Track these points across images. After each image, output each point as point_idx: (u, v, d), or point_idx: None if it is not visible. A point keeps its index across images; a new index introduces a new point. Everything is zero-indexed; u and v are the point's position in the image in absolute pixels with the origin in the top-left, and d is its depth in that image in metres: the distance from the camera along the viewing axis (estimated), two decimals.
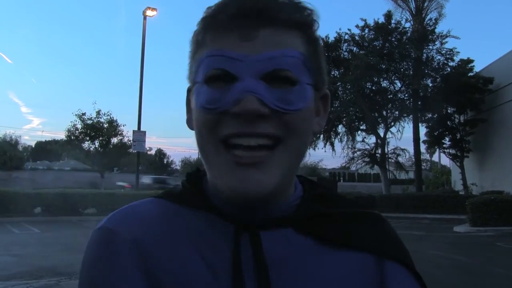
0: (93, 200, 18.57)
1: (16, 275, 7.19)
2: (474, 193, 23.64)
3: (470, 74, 25.79)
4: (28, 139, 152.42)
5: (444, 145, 27.29)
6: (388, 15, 26.03)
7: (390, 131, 28.08)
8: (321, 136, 28.20)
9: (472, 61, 25.88)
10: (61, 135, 61.89)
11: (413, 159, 28.87)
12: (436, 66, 26.42)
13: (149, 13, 21.76)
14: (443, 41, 25.66)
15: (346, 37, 26.54)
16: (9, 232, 13.07)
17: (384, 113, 27.75)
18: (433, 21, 25.97)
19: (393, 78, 27.45)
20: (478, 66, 26.95)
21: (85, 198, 18.36)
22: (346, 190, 39.55)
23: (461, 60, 25.89)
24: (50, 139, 78.08)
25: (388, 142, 29.06)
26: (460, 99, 24.22)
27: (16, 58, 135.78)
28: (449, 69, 26.14)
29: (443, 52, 25.94)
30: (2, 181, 38.73)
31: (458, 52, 25.65)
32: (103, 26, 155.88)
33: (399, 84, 27.57)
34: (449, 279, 7.55)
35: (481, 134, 25.55)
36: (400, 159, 29.47)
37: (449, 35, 25.42)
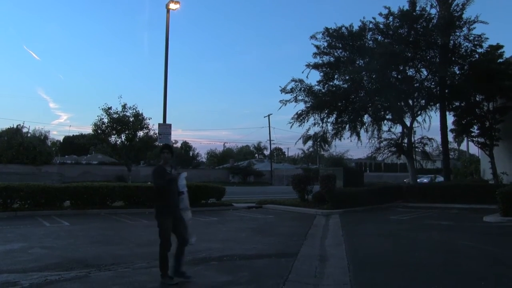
0: (121, 193, 18.78)
1: (48, 266, 7.36)
2: (504, 182, 23.14)
3: (500, 60, 25.10)
4: (57, 134, 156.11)
5: (473, 134, 26.72)
6: (413, 2, 25.45)
7: (417, 120, 27.70)
8: (347, 126, 27.97)
9: (501, 47, 25.19)
10: (88, 130, 62.93)
11: (441, 149, 28.32)
12: (464, 53, 25.75)
13: (172, 6, 21.78)
14: (471, 27, 24.94)
15: (370, 26, 26.12)
16: (40, 225, 13.37)
17: (410, 102, 27.31)
18: (460, 6, 25.17)
19: (419, 66, 26.95)
20: (508, 52, 26.20)
21: (113, 191, 18.58)
22: (372, 180, 39.33)
23: (490, 46, 25.19)
24: (78, 134, 79.44)
25: (414, 132, 28.65)
26: (489, 86, 23.63)
27: (43, 55, 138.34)
28: (477, 56, 25.45)
29: (471, 38, 25.21)
30: (32, 176, 39.68)
31: (487, 38, 24.90)
32: (127, 20, 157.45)
33: (425, 72, 27.07)
34: (480, 270, 7.40)
35: (511, 122, 24.90)
36: (427, 148, 28.98)
37: (477, 21, 24.68)
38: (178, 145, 70.28)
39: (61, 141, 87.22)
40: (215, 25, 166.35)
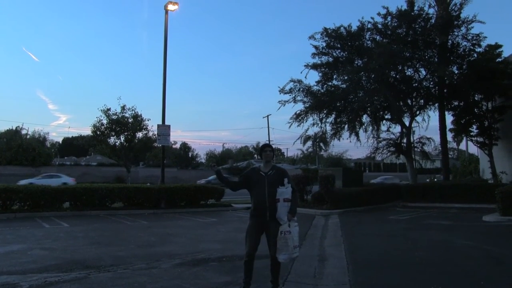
0: (120, 194, 18.81)
1: (48, 268, 7.35)
2: (503, 181, 23.15)
3: (498, 59, 25.12)
4: (56, 136, 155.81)
5: (472, 133, 26.75)
6: (411, 2, 25.54)
7: (416, 120, 27.75)
8: (346, 126, 27.98)
9: (500, 46, 25.21)
10: (87, 131, 62.91)
11: (440, 148, 28.36)
12: (462, 53, 25.81)
13: (170, 7, 21.81)
14: (469, 26, 25.00)
15: (369, 26, 26.13)
16: (39, 227, 13.37)
17: (409, 101, 27.34)
18: (458, 6, 25.20)
19: (417, 66, 26.96)
20: (507, 51, 26.24)
21: (112, 192, 18.59)
22: (371, 179, 39.37)
23: (489, 45, 25.22)
24: (77, 135, 79.42)
25: (413, 131, 28.66)
26: (488, 86, 23.64)
27: (42, 56, 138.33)
28: (476, 55, 25.49)
29: (469, 38, 25.27)
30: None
31: (485, 37, 24.96)
32: (126, 22, 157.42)
33: (424, 72, 27.06)
34: (480, 270, 7.40)
35: (510, 121, 24.93)
36: (426, 148, 29.03)
37: (475, 20, 24.78)
38: (177, 146, 70.37)
39: (60, 142, 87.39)
40: (213, 26, 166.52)
